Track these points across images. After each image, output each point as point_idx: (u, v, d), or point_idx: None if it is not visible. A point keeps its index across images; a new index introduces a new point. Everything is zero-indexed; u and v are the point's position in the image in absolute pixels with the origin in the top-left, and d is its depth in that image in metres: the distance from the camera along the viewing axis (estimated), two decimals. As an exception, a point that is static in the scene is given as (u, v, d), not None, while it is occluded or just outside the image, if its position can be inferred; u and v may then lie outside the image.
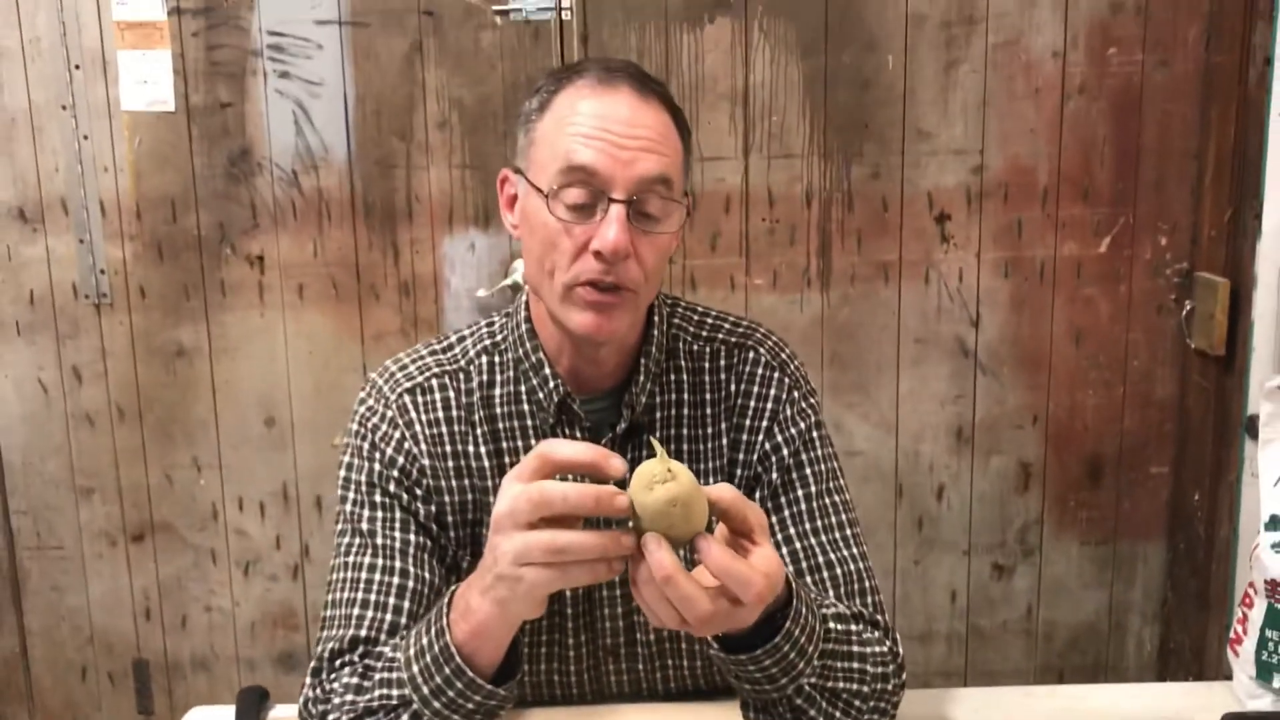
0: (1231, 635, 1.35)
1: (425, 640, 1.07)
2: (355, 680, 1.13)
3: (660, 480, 0.93)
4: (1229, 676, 1.37)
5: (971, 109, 2.29)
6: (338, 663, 1.17)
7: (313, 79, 2.26)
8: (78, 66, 2.25)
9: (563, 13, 2.22)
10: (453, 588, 1.08)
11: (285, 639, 2.48)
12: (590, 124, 1.13)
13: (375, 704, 1.10)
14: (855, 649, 1.15)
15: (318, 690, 1.17)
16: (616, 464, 0.94)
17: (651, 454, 0.95)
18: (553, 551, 0.94)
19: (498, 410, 1.27)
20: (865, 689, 1.14)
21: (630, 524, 0.94)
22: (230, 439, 2.39)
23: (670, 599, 0.93)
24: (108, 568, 2.45)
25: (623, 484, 0.95)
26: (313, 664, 1.19)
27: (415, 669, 1.07)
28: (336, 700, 1.13)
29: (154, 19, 2.23)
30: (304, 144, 2.28)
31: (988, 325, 2.37)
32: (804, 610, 1.06)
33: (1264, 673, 1.29)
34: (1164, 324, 2.37)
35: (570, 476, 1.03)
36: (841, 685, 1.13)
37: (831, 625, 1.13)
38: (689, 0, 2.24)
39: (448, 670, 1.05)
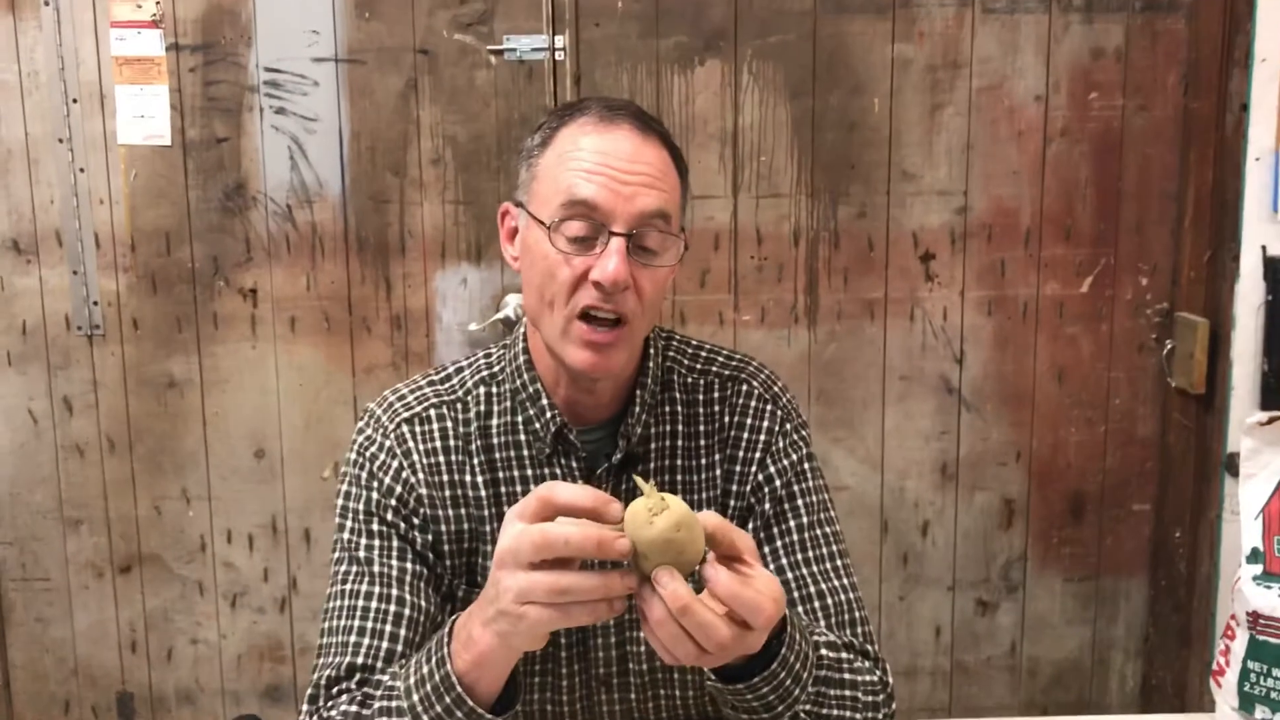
0: (1214, 667, 1.37)
1: (426, 669, 1.08)
2: (354, 709, 1.14)
3: (656, 512, 0.95)
4: (1212, 709, 1.40)
5: (956, 151, 2.34)
6: (335, 690, 1.18)
7: (308, 115, 2.29)
8: (75, 100, 2.28)
9: (556, 53, 2.26)
10: (453, 617, 1.09)
11: (272, 672, 2.47)
12: (592, 160, 1.16)
13: (375, 731, 1.11)
14: (847, 677, 1.17)
15: (315, 718, 1.17)
16: (615, 508, 0.96)
17: (640, 494, 0.97)
18: (556, 592, 0.95)
19: (494, 440, 1.29)
20: (858, 717, 1.16)
21: (626, 565, 0.96)
22: (220, 471, 2.40)
23: (688, 629, 0.94)
24: (94, 599, 2.45)
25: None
26: (309, 691, 1.20)
27: (416, 697, 1.07)
28: (333, 727, 1.14)
29: (152, 54, 2.26)
30: (299, 179, 2.31)
31: (972, 363, 2.41)
32: (798, 637, 1.08)
33: (1246, 704, 1.31)
34: (1145, 363, 2.41)
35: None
36: (835, 713, 1.14)
37: (824, 653, 1.15)
38: (680, 43, 2.28)
39: (448, 699, 1.05)
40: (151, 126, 2.28)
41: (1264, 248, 2.19)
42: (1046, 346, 2.41)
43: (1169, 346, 2.38)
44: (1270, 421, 1.33)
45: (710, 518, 0.98)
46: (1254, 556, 1.32)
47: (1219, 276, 2.26)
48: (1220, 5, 2.22)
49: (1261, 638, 1.29)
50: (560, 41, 2.26)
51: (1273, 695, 1.28)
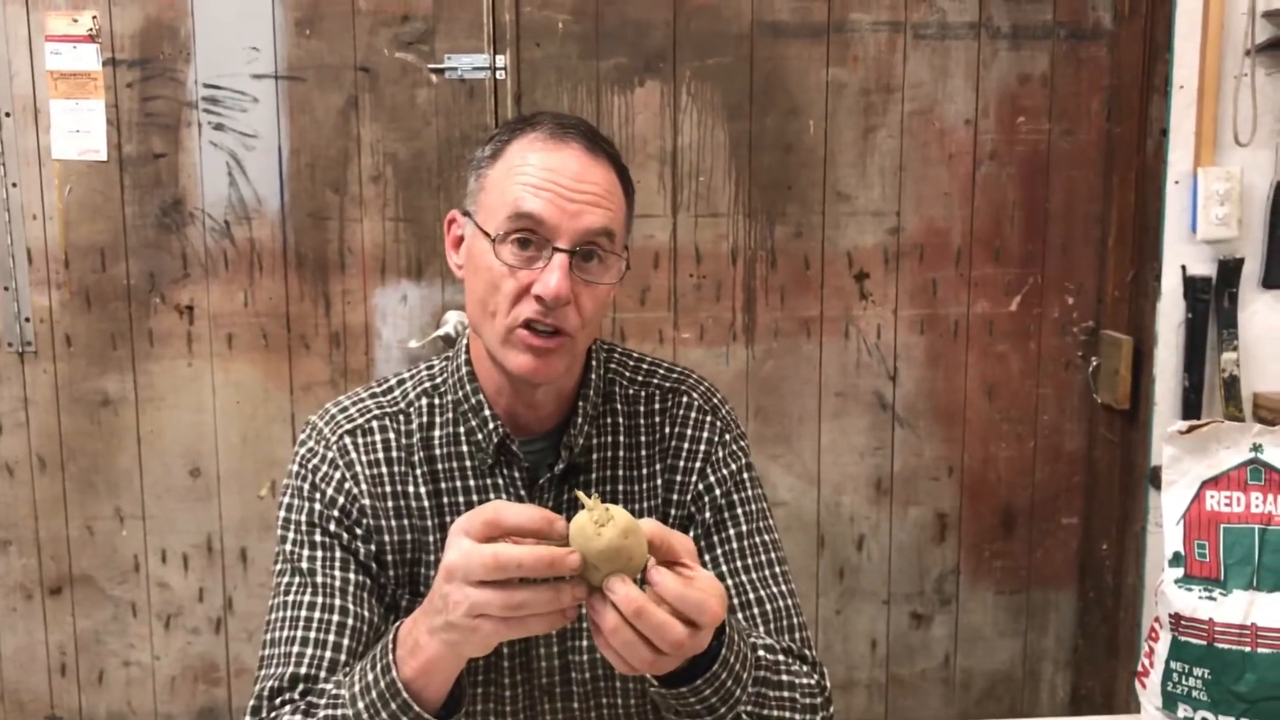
0: (1139, 669, 1.42)
1: (371, 676, 1.08)
2: (298, 718, 1.14)
3: (602, 523, 0.97)
4: (1139, 710, 1.44)
5: (889, 173, 2.39)
6: (278, 701, 1.17)
7: (247, 131, 2.29)
8: (8, 114, 2.25)
9: (497, 73, 2.28)
10: (396, 624, 1.10)
11: (206, 694, 2.44)
12: (540, 175, 1.18)
13: (319, 740, 1.11)
14: (785, 678, 1.19)
15: (257, 729, 1.17)
16: (561, 526, 0.98)
17: (581, 507, 0.99)
18: (510, 608, 0.97)
19: (437, 451, 1.29)
20: (798, 717, 1.18)
21: (571, 577, 0.98)
22: (154, 490, 2.37)
23: (644, 631, 0.96)
24: (22, 622, 2.40)
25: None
26: (251, 703, 1.19)
27: (361, 705, 1.08)
28: (277, 739, 1.14)
29: (88, 69, 2.24)
30: (237, 195, 2.30)
31: (905, 380, 2.46)
32: (736, 637, 1.11)
33: (1169, 703, 1.35)
34: (1071, 379, 2.48)
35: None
36: (775, 713, 1.16)
37: (761, 654, 1.17)
38: (620, 64, 2.31)
39: (394, 705, 1.06)
40: (87, 141, 2.26)
41: (1184, 267, 2.27)
42: (977, 364, 2.46)
43: (1094, 363, 2.45)
44: (1191, 430, 1.38)
45: (648, 524, 1.01)
46: (1175, 560, 1.36)
47: (1141, 295, 2.34)
48: (1140, 34, 2.30)
49: (1183, 639, 1.34)
50: (501, 61, 2.28)
51: (1194, 694, 1.33)
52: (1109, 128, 2.40)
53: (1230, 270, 2.26)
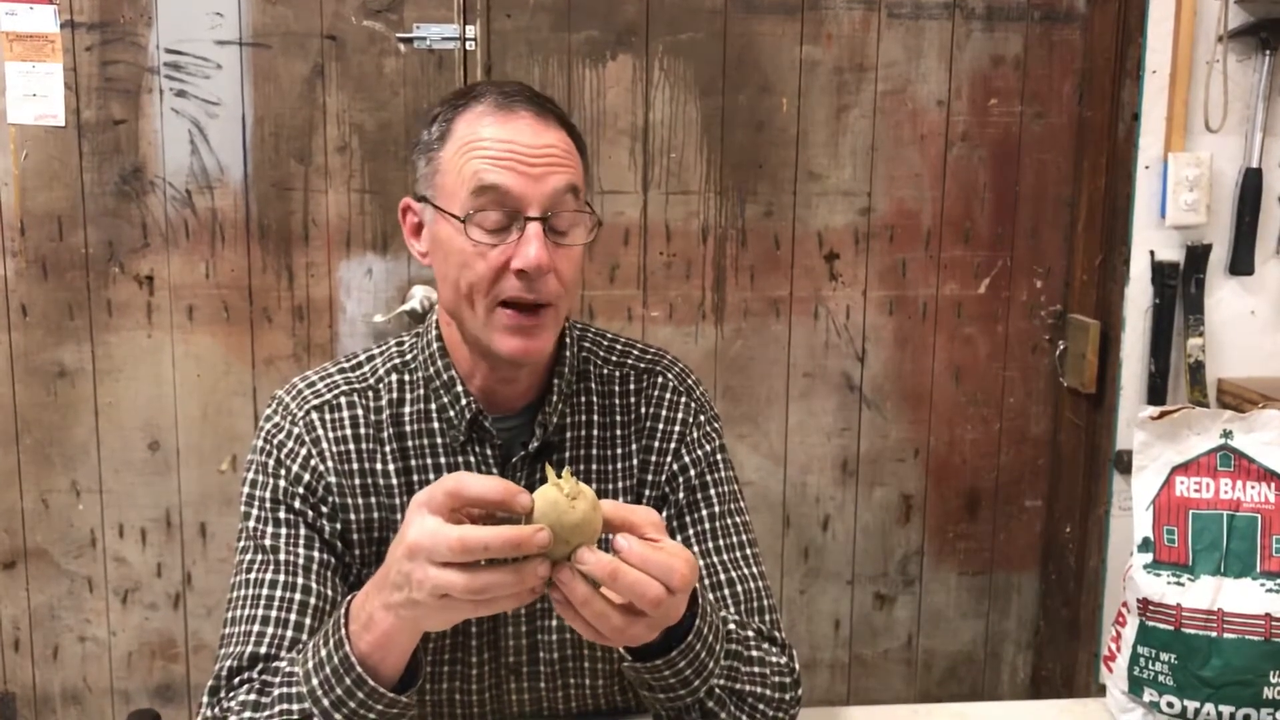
0: (1105, 653, 1.42)
1: (324, 652, 1.06)
2: (253, 697, 1.12)
3: (573, 496, 0.96)
4: (1101, 696, 1.44)
5: (860, 153, 2.38)
6: (236, 680, 1.15)
7: (210, 99, 2.24)
8: (-38, 76, 2.19)
9: (467, 43, 2.25)
10: (348, 598, 1.08)
11: (164, 670, 2.40)
12: (497, 147, 1.16)
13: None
14: (755, 654, 1.19)
15: (215, 710, 1.15)
16: (524, 499, 0.96)
17: (544, 480, 0.98)
18: (473, 591, 0.95)
19: (407, 429, 1.27)
20: (769, 693, 1.18)
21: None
22: (112, 463, 2.33)
23: (621, 592, 0.96)
24: (-25, 596, 2.36)
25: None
26: (210, 683, 1.17)
27: (315, 681, 1.06)
28: (234, 719, 1.12)
29: (45, 31, 2.18)
30: (199, 164, 2.25)
31: (872, 361, 2.45)
32: (708, 608, 1.11)
33: (1135, 687, 1.36)
34: (1038, 363, 2.48)
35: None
36: (747, 688, 1.16)
37: (732, 628, 1.17)
38: (591, 37, 2.28)
39: (349, 681, 1.04)
40: (44, 106, 2.20)
41: (1152, 253, 2.27)
42: (945, 346, 2.46)
43: (1061, 347, 2.46)
44: (1162, 415, 1.38)
45: (606, 504, 1.00)
46: (1144, 545, 1.37)
47: (1110, 280, 2.34)
48: (1114, 18, 2.30)
49: (1151, 623, 1.34)
50: (471, 31, 2.24)
51: (1160, 678, 1.33)
52: (1080, 111, 2.40)
53: (1198, 256, 2.26)
